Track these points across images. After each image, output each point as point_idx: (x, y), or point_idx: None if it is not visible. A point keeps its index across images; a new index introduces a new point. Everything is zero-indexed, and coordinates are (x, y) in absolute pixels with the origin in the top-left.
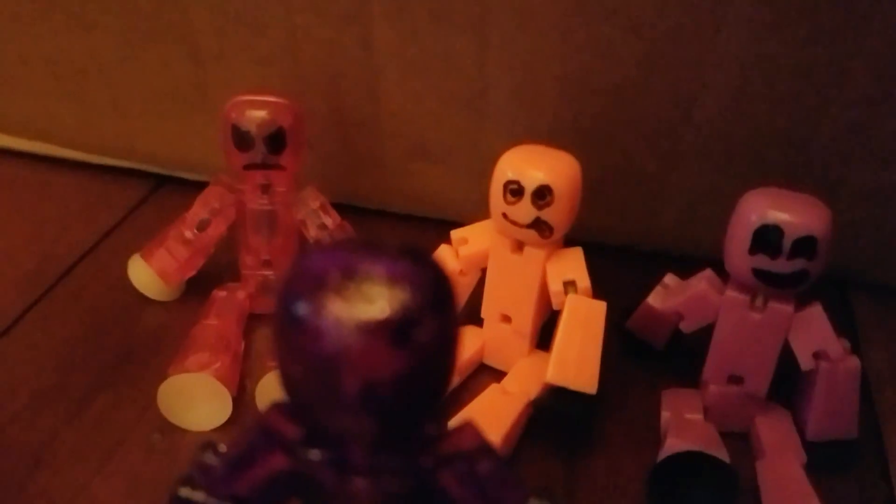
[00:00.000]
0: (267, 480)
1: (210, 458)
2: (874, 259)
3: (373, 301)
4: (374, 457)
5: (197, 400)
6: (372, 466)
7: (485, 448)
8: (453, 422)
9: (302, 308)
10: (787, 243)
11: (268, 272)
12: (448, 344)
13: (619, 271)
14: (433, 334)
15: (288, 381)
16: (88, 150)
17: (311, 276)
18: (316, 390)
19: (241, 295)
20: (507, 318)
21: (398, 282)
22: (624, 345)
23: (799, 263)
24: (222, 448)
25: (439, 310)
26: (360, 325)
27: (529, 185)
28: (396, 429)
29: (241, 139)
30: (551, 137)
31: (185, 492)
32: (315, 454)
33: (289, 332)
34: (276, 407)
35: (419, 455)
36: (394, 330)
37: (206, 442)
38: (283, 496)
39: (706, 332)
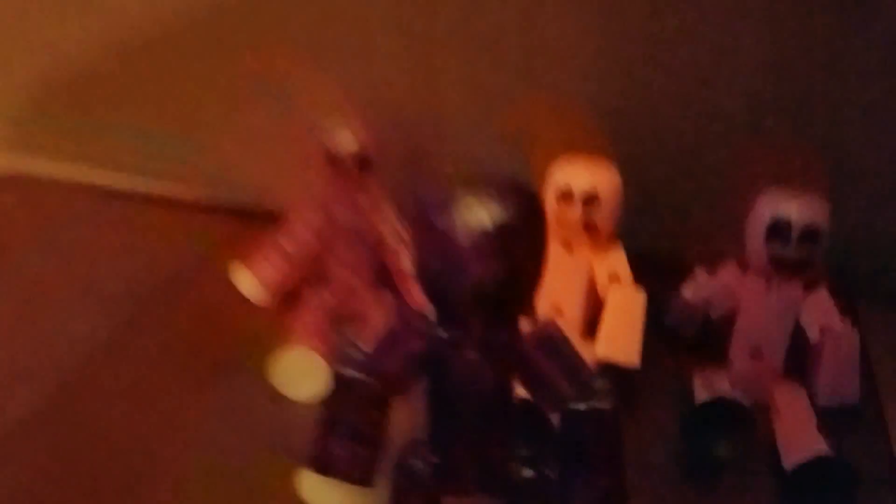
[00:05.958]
0: (408, 358)
1: (355, 353)
2: (882, 268)
3: (487, 214)
4: (484, 334)
5: (303, 375)
6: (481, 343)
7: (564, 336)
8: None
9: (436, 217)
10: (794, 233)
11: (354, 282)
12: (537, 253)
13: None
14: (528, 243)
15: (424, 273)
16: (184, 184)
17: (442, 195)
18: (445, 276)
19: (329, 298)
20: (559, 311)
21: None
22: (658, 335)
23: (805, 249)
24: (362, 344)
25: (533, 226)
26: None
27: (579, 190)
28: (501, 313)
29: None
30: None
31: (344, 371)
32: (442, 332)
33: (424, 234)
34: (408, 309)
35: (516, 336)
36: (501, 238)
37: (346, 340)
38: (416, 373)
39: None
